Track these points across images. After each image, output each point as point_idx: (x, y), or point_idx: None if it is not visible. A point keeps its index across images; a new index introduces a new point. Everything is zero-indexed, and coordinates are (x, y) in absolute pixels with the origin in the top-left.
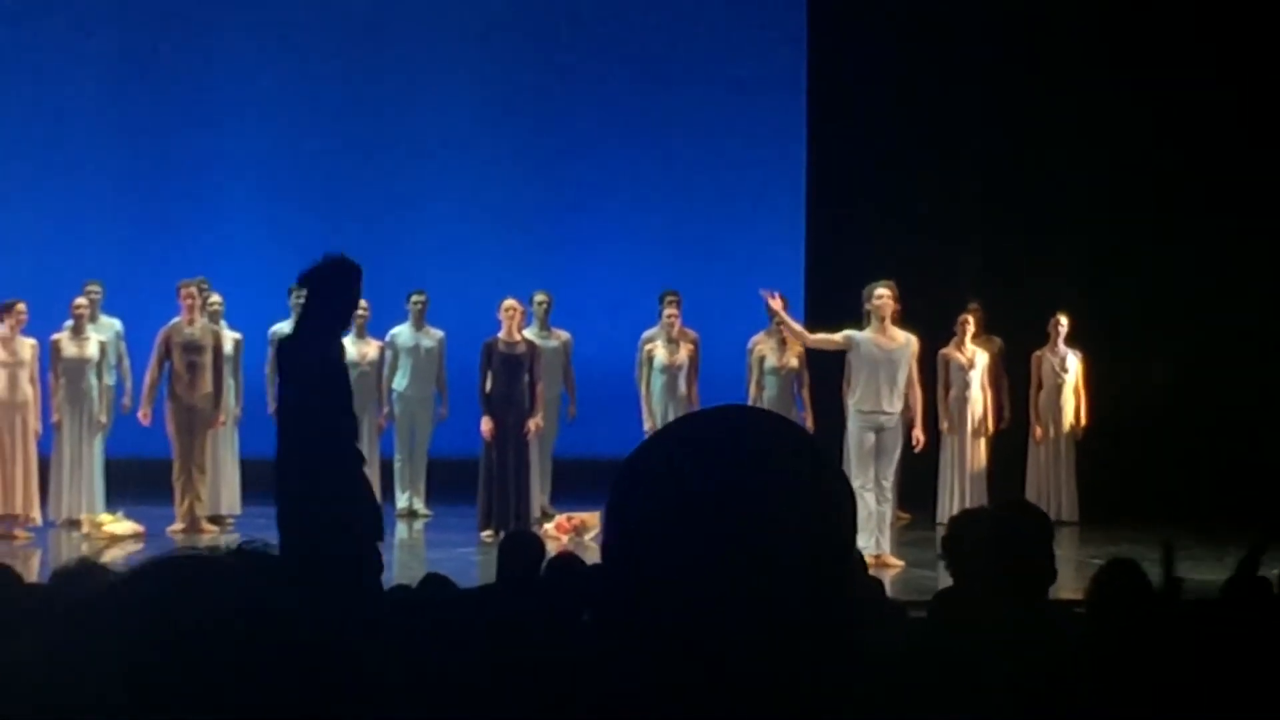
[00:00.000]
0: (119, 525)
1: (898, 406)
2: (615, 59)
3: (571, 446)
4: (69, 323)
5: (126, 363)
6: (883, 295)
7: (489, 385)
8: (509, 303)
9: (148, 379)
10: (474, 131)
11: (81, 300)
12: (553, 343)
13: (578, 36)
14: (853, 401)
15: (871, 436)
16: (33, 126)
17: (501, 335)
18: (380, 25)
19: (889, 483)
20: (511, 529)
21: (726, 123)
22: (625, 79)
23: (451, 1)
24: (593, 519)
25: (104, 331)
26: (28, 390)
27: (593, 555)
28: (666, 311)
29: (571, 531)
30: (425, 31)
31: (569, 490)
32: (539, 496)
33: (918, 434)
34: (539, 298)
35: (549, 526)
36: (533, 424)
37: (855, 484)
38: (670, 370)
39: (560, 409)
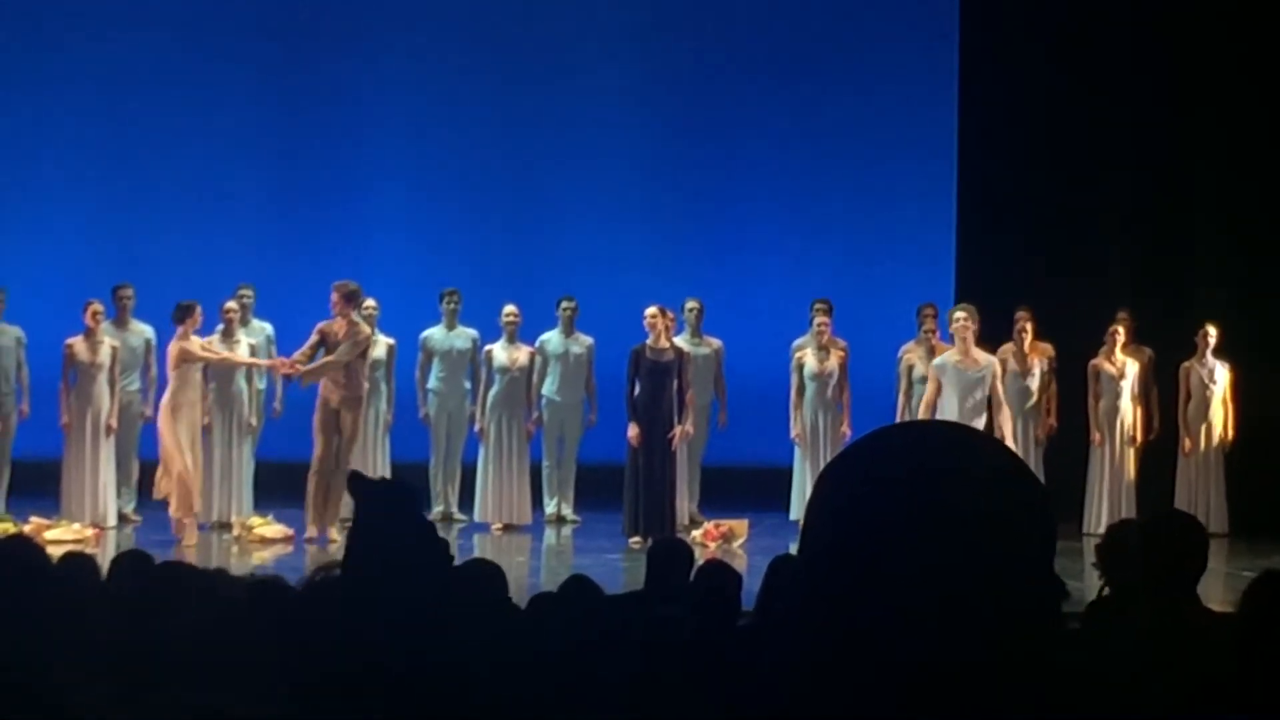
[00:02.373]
0: (269, 528)
1: (979, 426)
2: (766, 64)
3: (721, 454)
4: (220, 326)
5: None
6: (959, 319)
7: (636, 392)
8: (649, 311)
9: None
10: (626, 137)
11: (232, 304)
12: (704, 350)
13: (729, 41)
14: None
15: None
16: (186, 133)
17: (649, 342)
18: (529, 31)
19: None
20: (659, 535)
21: (877, 129)
22: (777, 86)
23: (600, 7)
24: (741, 526)
25: (255, 335)
26: (194, 394)
27: (741, 562)
28: (817, 320)
29: (720, 538)
30: (574, 38)
31: (718, 497)
32: (688, 503)
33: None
34: (690, 305)
35: (697, 533)
36: (679, 431)
37: None
38: (820, 378)
39: (711, 416)
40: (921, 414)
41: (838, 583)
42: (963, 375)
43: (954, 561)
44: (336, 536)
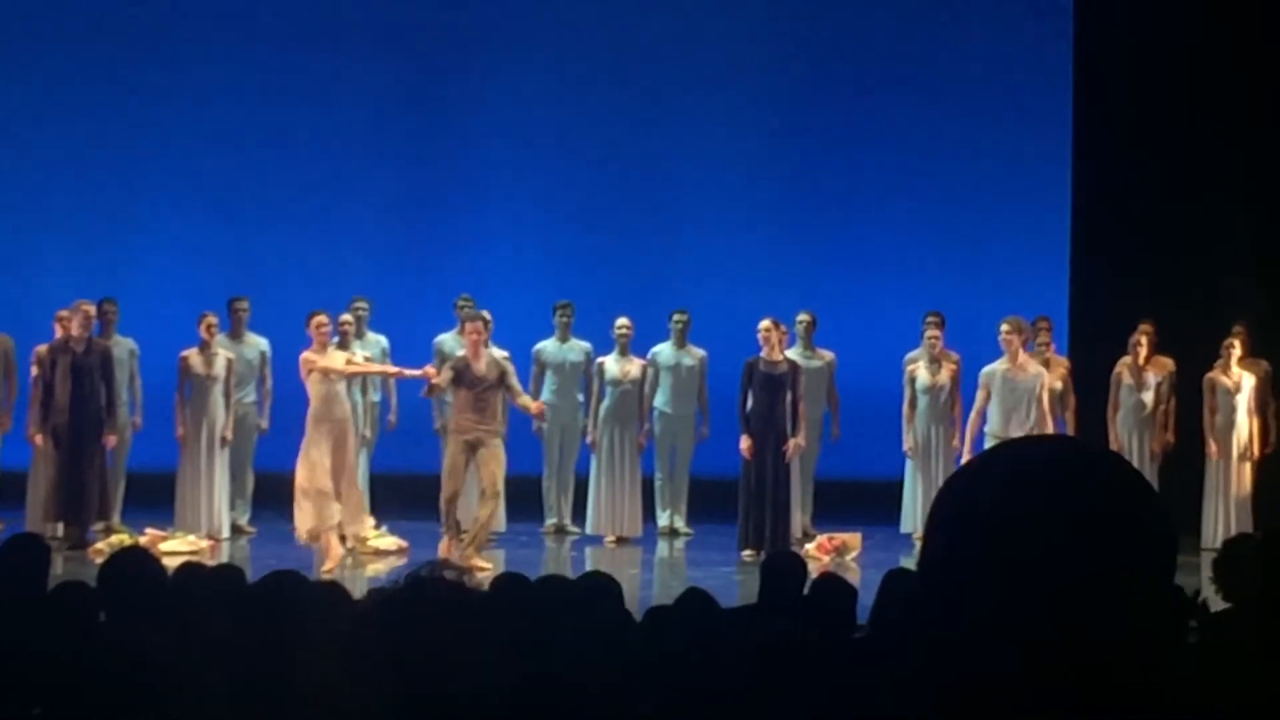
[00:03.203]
0: (383, 540)
1: (1029, 431)
2: (879, 74)
3: (834, 467)
4: (335, 339)
5: (393, 381)
6: (1004, 331)
7: (749, 404)
8: (763, 324)
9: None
10: (739, 149)
11: (347, 316)
12: (816, 362)
13: (844, 52)
14: (987, 428)
15: None
16: (301, 146)
17: (763, 355)
18: (643, 42)
19: None
20: (772, 549)
21: (991, 141)
22: (890, 96)
23: (715, 18)
24: (854, 540)
25: (370, 348)
26: (345, 406)
27: (855, 576)
28: (929, 333)
29: (833, 552)
30: (688, 49)
31: (831, 511)
32: (800, 517)
33: None
34: (802, 317)
35: (810, 547)
36: (793, 444)
37: None
38: (932, 391)
39: (823, 429)
40: (971, 421)
41: (957, 598)
42: (1011, 384)
43: (1075, 576)
44: (484, 564)
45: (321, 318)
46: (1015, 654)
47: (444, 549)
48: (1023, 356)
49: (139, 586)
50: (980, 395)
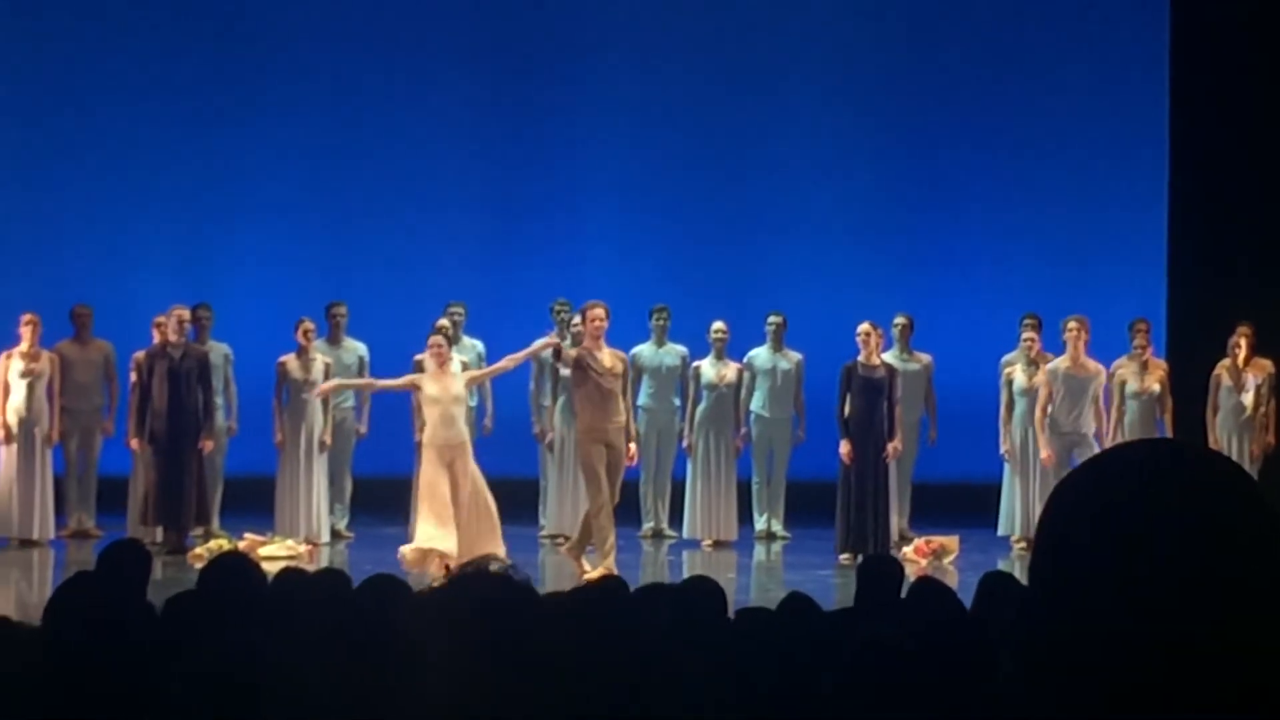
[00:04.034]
0: None
1: (1088, 428)
2: (974, 74)
3: (931, 470)
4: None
5: (488, 384)
6: (1073, 330)
7: (848, 408)
8: (862, 328)
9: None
10: (834, 151)
11: (444, 321)
12: (913, 365)
13: (938, 52)
14: (1048, 423)
15: (1067, 454)
16: (398, 150)
17: (861, 358)
18: (737, 46)
19: None
20: (870, 552)
21: (1087, 141)
22: (985, 96)
23: (808, 20)
24: (952, 542)
25: (466, 352)
26: (461, 428)
27: (953, 579)
28: (1025, 335)
29: (931, 555)
30: (782, 52)
31: (928, 513)
32: (898, 520)
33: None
34: (898, 320)
35: (908, 550)
36: (891, 447)
37: None
38: (1030, 394)
39: (921, 432)
40: (1037, 416)
41: (1073, 603)
42: (1073, 381)
43: (1195, 580)
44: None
45: (435, 337)
46: (1133, 658)
47: (599, 569)
48: (1085, 357)
49: (240, 591)
50: (1043, 392)
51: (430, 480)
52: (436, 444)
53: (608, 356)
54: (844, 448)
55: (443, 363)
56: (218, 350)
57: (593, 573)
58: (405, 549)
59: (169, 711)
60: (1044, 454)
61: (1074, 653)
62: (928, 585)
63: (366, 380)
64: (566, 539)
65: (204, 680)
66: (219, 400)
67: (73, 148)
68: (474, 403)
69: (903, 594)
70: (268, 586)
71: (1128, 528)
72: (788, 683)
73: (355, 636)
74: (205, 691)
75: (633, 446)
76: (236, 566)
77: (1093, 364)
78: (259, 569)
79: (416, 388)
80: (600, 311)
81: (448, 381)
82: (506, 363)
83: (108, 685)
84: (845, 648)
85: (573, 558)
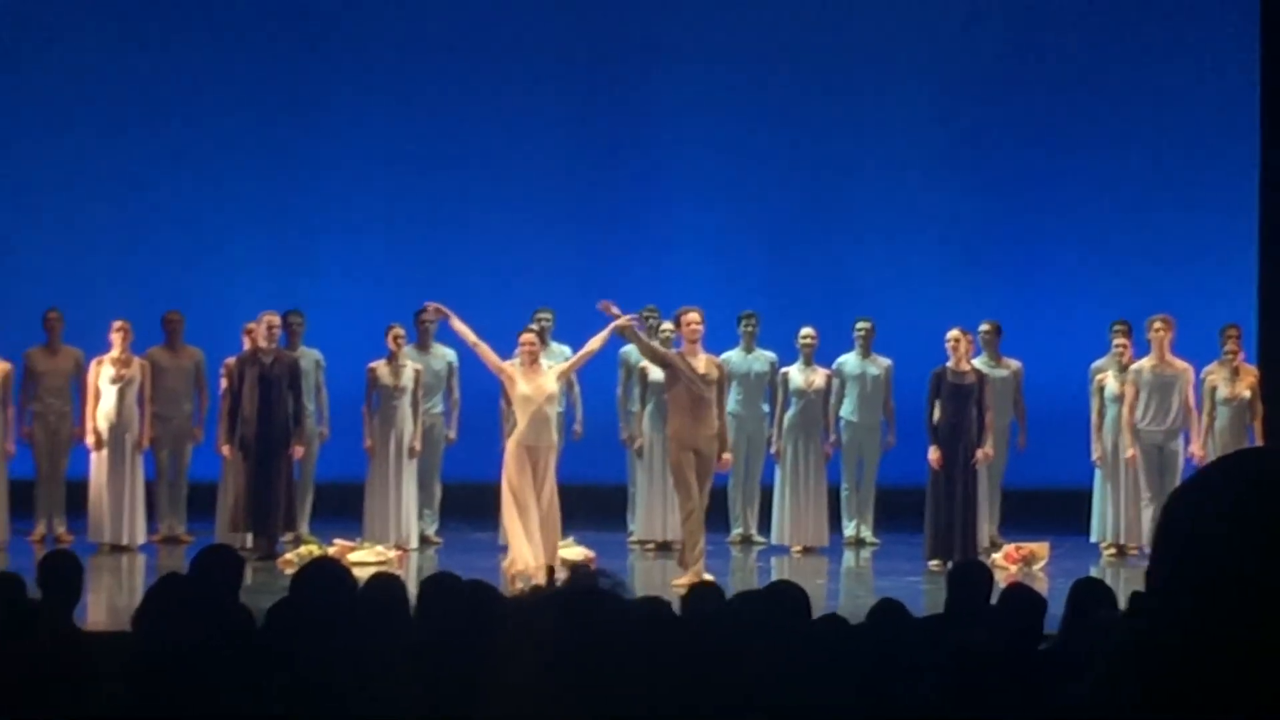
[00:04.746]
0: (570, 550)
1: (1173, 426)
2: (1064, 78)
3: (1021, 476)
4: (518, 351)
5: (577, 390)
6: (1158, 329)
7: (937, 414)
8: (951, 334)
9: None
10: (922, 155)
11: (532, 328)
12: (1002, 371)
13: (1027, 58)
14: (1138, 422)
15: (1155, 452)
16: (486, 157)
17: (950, 364)
18: (827, 52)
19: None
20: (959, 558)
21: (1176, 148)
22: (1074, 99)
23: (896, 24)
24: (1042, 549)
25: (554, 358)
26: (552, 433)
27: (1043, 585)
28: (1116, 341)
29: (1021, 561)
30: (869, 56)
31: (1018, 520)
32: (988, 526)
33: (1194, 448)
34: (985, 326)
35: (998, 556)
36: (981, 453)
37: (1146, 495)
38: (1121, 401)
39: (1010, 438)
40: (1124, 417)
41: (1187, 613)
42: (1159, 379)
43: None
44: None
45: (526, 335)
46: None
47: (688, 575)
48: (1169, 356)
49: (329, 597)
50: (1129, 392)
51: (517, 487)
52: (526, 443)
53: (703, 362)
54: (933, 454)
55: (534, 361)
56: (309, 356)
57: (682, 579)
58: (510, 569)
59: (264, 716)
60: (1128, 453)
61: (1192, 659)
62: (1018, 591)
63: (476, 339)
64: (656, 545)
65: (303, 687)
66: (310, 406)
67: (164, 156)
68: (562, 409)
69: (993, 600)
70: (360, 592)
71: (1255, 537)
72: (880, 689)
73: (448, 641)
74: (304, 698)
75: (727, 455)
76: (328, 572)
77: (1180, 362)
78: (351, 575)
79: (509, 378)
80: (696, 316)
81: (540, 380)
82: (594, 343)
83: (199, 688)
84: (937, 653)
85: (684, 566)
